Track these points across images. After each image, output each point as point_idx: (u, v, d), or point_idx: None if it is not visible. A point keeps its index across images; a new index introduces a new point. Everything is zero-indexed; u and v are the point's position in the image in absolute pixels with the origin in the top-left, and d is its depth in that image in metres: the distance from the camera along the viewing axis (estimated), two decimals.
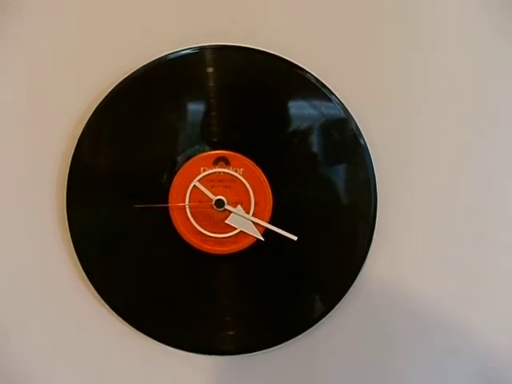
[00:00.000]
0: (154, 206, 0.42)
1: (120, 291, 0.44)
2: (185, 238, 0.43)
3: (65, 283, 0.45)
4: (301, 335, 0.44)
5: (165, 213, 0.42)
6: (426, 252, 0.46)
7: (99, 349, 0.46)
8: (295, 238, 0.42)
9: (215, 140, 0.43)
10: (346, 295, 0.44)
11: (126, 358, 0.46)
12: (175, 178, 0.42)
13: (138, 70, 0.42)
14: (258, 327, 0.45)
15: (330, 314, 0.44)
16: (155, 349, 0.45)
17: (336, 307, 0.44)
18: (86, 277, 0.44)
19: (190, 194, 0.42)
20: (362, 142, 0.43)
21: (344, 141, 0.43)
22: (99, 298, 0.44)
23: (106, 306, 0.44)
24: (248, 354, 0.45)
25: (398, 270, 0.46)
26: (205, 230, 0.43)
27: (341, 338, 0.46)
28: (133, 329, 0.45)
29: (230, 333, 0.44)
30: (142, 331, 0.44)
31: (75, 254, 0.44)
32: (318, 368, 0.47)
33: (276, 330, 0.45)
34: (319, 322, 0.44)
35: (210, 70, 0.43)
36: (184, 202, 0.42)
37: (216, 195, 0.42)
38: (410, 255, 0.46)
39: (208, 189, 0.42)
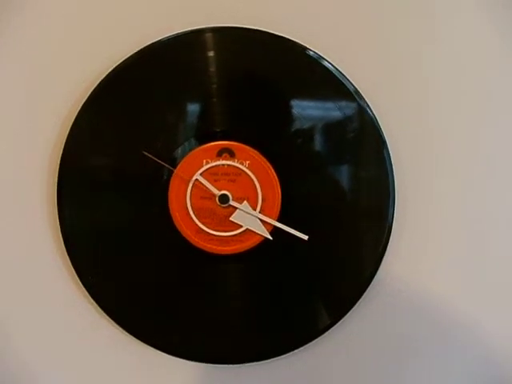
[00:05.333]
0: (161, 162, 0.40)
1: (116, 295, 0.43)
2: (186, 236, 0.42)
3: (57, 285, 0.44)
4: (311, 343, 0.43)
5: (165, 210, 0.41)
6: (448, 256, 0.44)
7: (94, 355, 0.45)
8: (306, 237, 0.41)
9: (219, 130, 0.42)
10: (360, 300, 0.43)
11: (122, 365, 0.46)
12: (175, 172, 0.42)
13: (132, 55, 0.41)
14: (265, 334, 0.44)
15: (341, 321, 0.43)
16: (153, 356, 0.44)
17: (349, 313, 0.43)
18: (78, 279, 0.43)
19: (192, 188, 0.41)
20: (380, 136, 0.42)
21: (360, 134, 0.42)
22: (93, 302, 0.43)
23: (101, 311, 0.43)
24: (253, 363, 0.44)
25: (416, 274, 0.44)
26: (208, 227, 0.42)
27: (353, 345, 0.45)
28: (130, 336, 0.43)
29: (234, 340, 0.43)
30: (139, 338, 0.43)
31: (67, 255, 0.43)
32: (330, 377, 0.46)
33: (284, 337, 0.43)
34: (330, 330, 0.43)
35: (211, 53, 0.42)
36: (185, 196, 0.41)
37: (220, 190, 0.41)
38: (429, 258, 0.44)
39: (211, 183, 0.41)
